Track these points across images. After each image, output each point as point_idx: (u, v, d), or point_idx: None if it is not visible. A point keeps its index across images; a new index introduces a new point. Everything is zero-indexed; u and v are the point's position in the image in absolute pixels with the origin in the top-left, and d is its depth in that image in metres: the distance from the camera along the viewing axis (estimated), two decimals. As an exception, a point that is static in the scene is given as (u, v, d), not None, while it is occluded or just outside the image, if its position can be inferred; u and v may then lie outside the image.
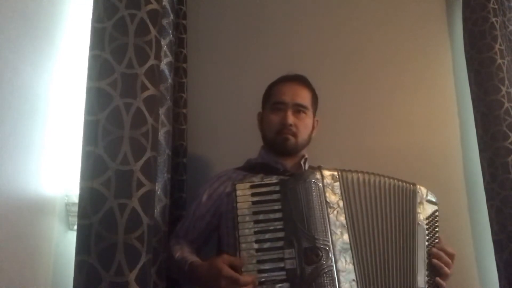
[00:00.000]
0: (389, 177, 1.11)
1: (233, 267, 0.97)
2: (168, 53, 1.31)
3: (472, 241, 1.62)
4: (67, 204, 1.14)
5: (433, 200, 1.15)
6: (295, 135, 1.22)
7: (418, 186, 1.13)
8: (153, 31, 0.93)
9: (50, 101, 1.07)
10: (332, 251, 0.99)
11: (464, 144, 1.71)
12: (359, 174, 1.09)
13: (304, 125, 1.24)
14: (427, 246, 1.09)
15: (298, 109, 1.24)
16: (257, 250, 1.00)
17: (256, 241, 1.00)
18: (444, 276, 1.07)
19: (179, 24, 1.57)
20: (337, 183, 1.05)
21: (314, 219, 1.01)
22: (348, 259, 1.00)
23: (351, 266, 0.99)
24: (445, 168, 1.67)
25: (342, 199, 1.04)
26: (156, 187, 1.06)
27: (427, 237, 1.09)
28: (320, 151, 1.40)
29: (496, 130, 1.52)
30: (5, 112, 0.89)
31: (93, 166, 0.84)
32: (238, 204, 1.03)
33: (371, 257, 1.02)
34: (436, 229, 1.13)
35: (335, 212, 1.03)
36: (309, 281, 0.97)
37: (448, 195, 1.60)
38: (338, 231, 1.01)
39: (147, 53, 0.91)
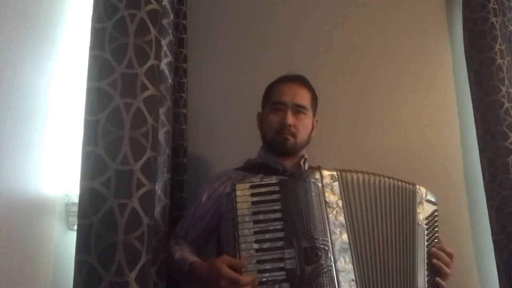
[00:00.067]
0: (388, 177, 1.11)
1: (233, 267, 0.97)
2: (168, 53, 1.31)
3: (472, 241, 1.62)
4: (67, 204, 1.14)
5: (433, 200, 1.15)
6: (294, 135, 1.22)
7: (417, 186, 1.13)
8: (153, 31, 0.93)
9: (50, 101, 1.07)
10: (331, 251, 0.99)
11: (464, 144, 1.71)
12: (359, 174, 1.09)
13: (303, 126, 1.24)
14: (427, 246, 1.09)
15: (298, 109, 1.24)
16: (257, 250, 1.00)
17: (256, 241, 1.00)
18: (444, 276, 1.07)
19: (179, 24, 1.57)
20: (336, 183, 1.06)
21: (314, 219, 1.01)
22: (348, 259, 1.00)
23: (350, 266, 0.99)
24: (445, 168, 1.67)
25: (341, 199, 1.04)
26: (156, 187, 1.06)
27: (426, 237, 1.09)
28: (320, 151, 1.40)
29: (496, 130, 1.52)
30: (5, 112, 0.89)
31: (93, 166, 0.84)
32: (238, 204, 1.03)
33: (370, 257, 1.02)
34: (436, 229, 1.13)
35: (334, 212, 1.03)
36: (309, 281, 0.97)
37: (448, 195, 1.60)
38: (337, 231, 1.01)
39: (147, 53, 0.91)
